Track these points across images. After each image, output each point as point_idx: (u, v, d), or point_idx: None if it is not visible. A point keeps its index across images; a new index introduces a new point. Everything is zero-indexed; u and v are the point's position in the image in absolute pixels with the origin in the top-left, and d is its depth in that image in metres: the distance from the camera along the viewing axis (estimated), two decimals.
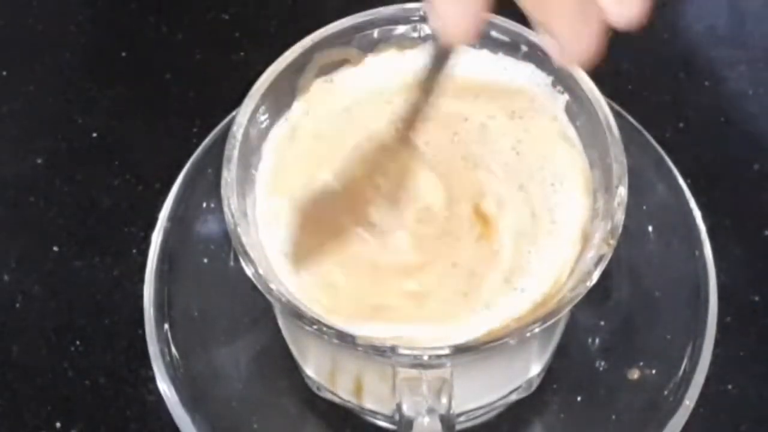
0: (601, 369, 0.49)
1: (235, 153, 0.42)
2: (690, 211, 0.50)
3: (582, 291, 0.39)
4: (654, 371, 0.48)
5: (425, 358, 0.38)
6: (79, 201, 0.57)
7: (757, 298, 0.53)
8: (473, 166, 0.44)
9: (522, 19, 0.44)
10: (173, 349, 0.48)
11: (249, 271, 0.40)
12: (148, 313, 0.48)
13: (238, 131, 0.43)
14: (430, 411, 0.40)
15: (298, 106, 0.46)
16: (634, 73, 0.61)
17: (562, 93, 0.45)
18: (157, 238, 0.51)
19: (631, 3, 0.36)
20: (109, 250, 0.55)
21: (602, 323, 0.50)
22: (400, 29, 0.47)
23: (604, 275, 0.39)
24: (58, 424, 0.50)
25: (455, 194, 0.43)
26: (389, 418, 0.47)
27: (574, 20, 0.36)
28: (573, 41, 0.36)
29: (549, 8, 0.36)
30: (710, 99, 0.60)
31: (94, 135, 0.59)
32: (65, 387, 0.51)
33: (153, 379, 0.48)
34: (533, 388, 0.48)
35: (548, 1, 0.36)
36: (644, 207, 0.51)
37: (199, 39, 0.63)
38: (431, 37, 0.47)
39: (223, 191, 0.41)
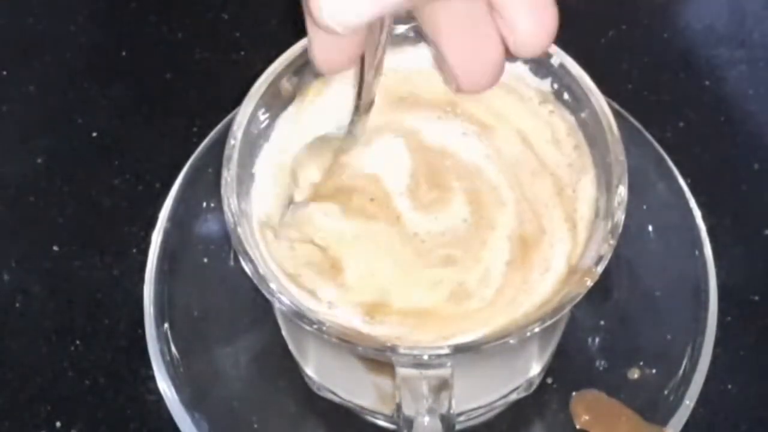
0: (601, 369, 0.49)
1: (235, 153, 0.42)
2: (690, 211, 0.50)
3: (582, 290, 0.39)
4: (654, 371, 0.48)
5: (425, 357, 0.38)
6: (79, 201, 0.57)
7: (757, 298, 0.53)
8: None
9: None
10: (173, 349, 0.48)
11: (249, 271, 0.40)
12: (148, 313, 0.48)
13: (238, 131, 0.43)
14: (430, 411, 0.40)
15: (297, 105, 0.46)
16: (634, 73, 0.61)
17: (562, 93, 0.45)
18: (157, 238, 0.51)
19: (540, 35, 0.34)
20: (109, 250, 0.55)
21: (602, 323, 0.50)
22: (400, 29, 0.47)
23: (604, 275, 0.39)
24: (58, 424, 0.50)
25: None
26: (389, 418, 0.47)
27: (467, 45, 0.34)
28: (467, 68, 0.34)
29: (441, 30, 0.34)
30: (710, 99, 0.60)
31: (94, 135, 0.59)
32: (65, 387, 0.51)
33: (153, 379, 0.48)
34: (533, 388, 0.48)
35: (440, 22, 0.34)
36: (644, 207, 0.51)
37: (199, 39, 0.63)
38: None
39: (223, 191, 0.41)
